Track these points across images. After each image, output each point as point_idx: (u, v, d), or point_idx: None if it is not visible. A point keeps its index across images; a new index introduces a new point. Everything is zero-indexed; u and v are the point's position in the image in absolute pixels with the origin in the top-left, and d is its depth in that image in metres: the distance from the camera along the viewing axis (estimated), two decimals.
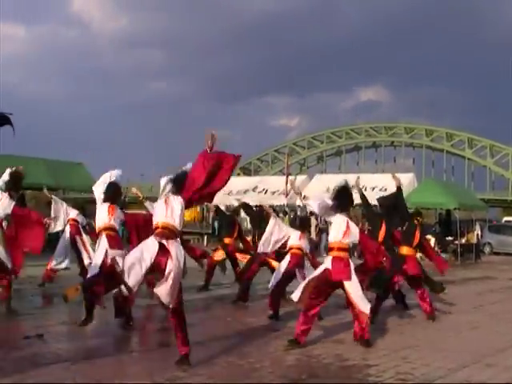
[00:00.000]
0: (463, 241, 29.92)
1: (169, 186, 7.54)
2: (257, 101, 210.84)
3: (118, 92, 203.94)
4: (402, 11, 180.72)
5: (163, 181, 7.68)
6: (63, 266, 14.23)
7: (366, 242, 9.47)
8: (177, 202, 7.46)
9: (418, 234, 11.85)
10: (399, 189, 12.43)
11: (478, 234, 31.83)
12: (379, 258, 10.29)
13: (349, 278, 8.76)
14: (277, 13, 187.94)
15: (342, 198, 9.03)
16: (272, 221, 12.36)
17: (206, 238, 36.29)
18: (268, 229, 12.30)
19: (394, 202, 12.49)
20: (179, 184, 7.54)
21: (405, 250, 11.73)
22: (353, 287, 8.78)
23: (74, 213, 14.65)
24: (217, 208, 16.17)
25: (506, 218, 47.34)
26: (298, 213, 32.21)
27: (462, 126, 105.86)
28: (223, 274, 15.66)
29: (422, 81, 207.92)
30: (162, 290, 7.11)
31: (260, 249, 12.48)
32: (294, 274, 11.32)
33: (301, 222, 12.37)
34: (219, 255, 15.05)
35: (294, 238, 11.65)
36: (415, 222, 12.03)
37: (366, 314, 8.80)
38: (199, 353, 7.96)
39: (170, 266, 7.12)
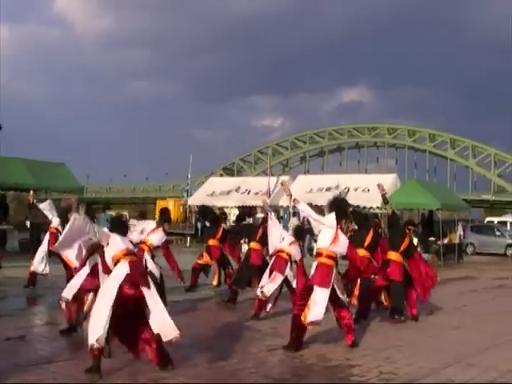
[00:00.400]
0: (446, 241, 29.98)
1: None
2: (240, 101, 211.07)
3: (101, 92, 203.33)
4: (385, 12, 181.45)
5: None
6: (44, 271, 14.03)
7: (353, 258, 9.41)
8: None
9: (406, 241, 11.84)
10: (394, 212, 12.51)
11: (460, 235, 31.89)
12: (365, 275, 10.31)
13: (324, 286, 8.68)
14: (260, 13, 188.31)
15: (336, 209, 9.06)
16: (269, 222, 12.25)
17: (188, 238, 36.18)
18: (271, 232, 12.12)
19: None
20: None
21: (393, 256, 11.70)
22: (319, 294, 8.67)
23: (56, 221, 14.45)
24: (200, 210, 16.03)
25: (488, 219, 47.53)
26: (281, 214, 32.27)
27: (445, 127, 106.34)
28: (206, 277, 15.60)
29: (406, 82, 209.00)
30: (161, 325, 7.12)
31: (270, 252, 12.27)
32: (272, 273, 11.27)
33: (296, 231, 12.16)
34: (204, 260, 14.99)
35: (285, 242, 11.55)
36: (406, 230, 12.04)
37: (309, 321, 8.71)
38: (182, 353, 7.94)
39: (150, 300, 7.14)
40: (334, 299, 8.80)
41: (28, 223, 24.49)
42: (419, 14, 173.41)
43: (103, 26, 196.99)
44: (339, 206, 9.17)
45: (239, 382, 6.95)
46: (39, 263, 13.98)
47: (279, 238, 11.71)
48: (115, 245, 7.40)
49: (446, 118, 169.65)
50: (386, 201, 12.33)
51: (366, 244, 11.74)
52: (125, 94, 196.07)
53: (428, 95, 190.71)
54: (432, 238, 28.76)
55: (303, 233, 12.55)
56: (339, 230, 8.96)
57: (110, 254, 7.37)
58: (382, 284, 11.61)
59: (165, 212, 12.96)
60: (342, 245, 8.93)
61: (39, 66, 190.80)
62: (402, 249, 11.70)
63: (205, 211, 16.54)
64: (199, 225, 39.00)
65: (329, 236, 8.88)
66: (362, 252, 11.47)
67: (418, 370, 7.71)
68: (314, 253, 9.29)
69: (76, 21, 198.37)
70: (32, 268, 13.96)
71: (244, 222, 17.88)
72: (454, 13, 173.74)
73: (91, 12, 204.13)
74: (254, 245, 13.32)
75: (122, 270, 7.16)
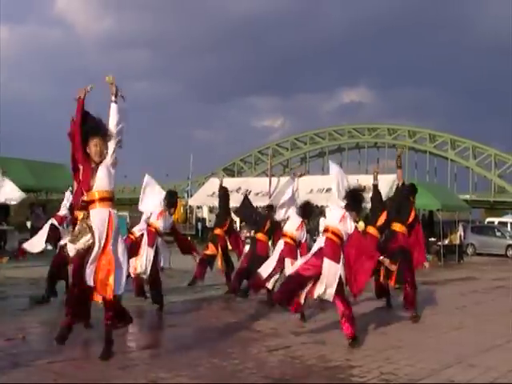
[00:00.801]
0: (446, 242, 30.01)
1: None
2: (240, 102, 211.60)
3: (102, 93, 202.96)
4: (385, 13, 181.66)
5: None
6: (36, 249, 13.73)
7: (356, 237, 9.32)
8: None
9: (412, 215, 11.74)
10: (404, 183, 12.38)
11: (460, 235, 31.93)
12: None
13: (334, 259, 8.74)
14: (261, 14, 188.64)
15: (349, 200, 9.10)
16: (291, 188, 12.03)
17: (189, 239, 36.14)
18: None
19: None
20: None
21: (397, 227, 11.61)
22: (329, 270, 8.72)
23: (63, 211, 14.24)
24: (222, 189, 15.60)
25: (488, 219, 47.55)
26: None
27: (445, 128, 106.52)
28: (210, 270, 15.55)
29: (406, 83, 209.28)
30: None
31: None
32: (283, 263, 11.24)
33: (303, 209, 11.87)
34: (210, 250, 14.88)
35: (292, 226, 11.43)
36: (410, 199, 11.94)
37: (314, 295, 8.82)
38: (182, 353, 7.95)
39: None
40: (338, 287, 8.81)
41: (29, 224, 24.51)
42: (419, 16, 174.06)
43: (104, 27, 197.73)
44: (353, 198, 9.16)
45: (239, 382, 6.94)
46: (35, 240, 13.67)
47: (286, 210, 11.60)
48: None
49: (446, 119, 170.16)
50: (399, 164, 12.26)
51: (378, 224, 11.65)
52: (126, 95, 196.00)
53: (428, 96, 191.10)
54: (432, 239, 28.76)
55: (311, 210, 12.27)
56: (347, 213, 9.02)
57: None
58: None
59: (170, 194, 12.53)
60: (348, 225, 8.99)
61: (40, 66, 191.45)
62: (408, 221, 11.62)
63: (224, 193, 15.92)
64: (200, 225, 39.08)
65: (338, 215, 8.97)
66: (371, 229, 11.42)
67: (419, 371, 7.70)
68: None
69: (77, 22, 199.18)
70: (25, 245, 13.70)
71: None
72: (454, 14, 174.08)
73: (92, 13, 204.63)
74: (260, 235, 13.34)
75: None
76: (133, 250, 10.96)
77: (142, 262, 11.27)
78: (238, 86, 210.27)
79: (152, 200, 11.92)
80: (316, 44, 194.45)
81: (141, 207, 12.05)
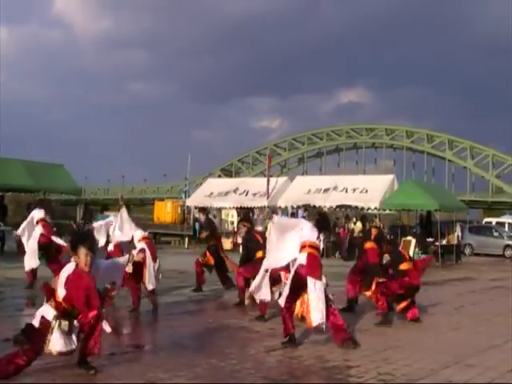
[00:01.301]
0: (444, 242, 29.99)
1: None
2: (238, 102, 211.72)
3: (100, 93, 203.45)
4: (383, 12, 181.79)
5: None
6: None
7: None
8: None
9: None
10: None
11: (458, 236, 31.94)
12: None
13: (317, 278, 8.72)
14: (259, 14, 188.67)
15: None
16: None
17: (186, 239, 36.16)
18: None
19: None
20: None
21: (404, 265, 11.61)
22: (315, 289, 8.66)
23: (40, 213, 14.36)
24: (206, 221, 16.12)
25: (486, 220, 47.59)
26: (279, 214, 32.33)
27: (443, 128, 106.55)
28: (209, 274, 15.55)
29: (404, 83, 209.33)
30: None
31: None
32: (278, 276, 11.22)
33: None
34: (207, 260, 14.86)
35: None
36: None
37: (313, 323, 8.71)
38: (180, 354, 7.95)
39: None
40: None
41: None
42: (418, 14, 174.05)
43: (101, 28, 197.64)
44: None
45: (237, 382, 6.95)
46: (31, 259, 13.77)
47: None
48: None
49: (444, 118, 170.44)
50: None
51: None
52: (123, 95, 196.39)
53: (426, 95, 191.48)
54: (430, 239, 28.79)
55: None
56: None
57: None
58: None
59: None
60: None
61: (39, 66, 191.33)
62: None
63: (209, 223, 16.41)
64: (197, 226, 39.03)
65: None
66: (369, 244, 11.56)
67: (417, 371, 7.70)
68: None
69: (75, 22, 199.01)
70: (27, 268, 13.77)
71: None
72: (452, 12, 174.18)
73: (89, 13, 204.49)
74: (261, 253, 13.41)
75: None
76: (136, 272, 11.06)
77: (150, 279, 11.32)
78: (235, 86, 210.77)
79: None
80: (314, 44, 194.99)
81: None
